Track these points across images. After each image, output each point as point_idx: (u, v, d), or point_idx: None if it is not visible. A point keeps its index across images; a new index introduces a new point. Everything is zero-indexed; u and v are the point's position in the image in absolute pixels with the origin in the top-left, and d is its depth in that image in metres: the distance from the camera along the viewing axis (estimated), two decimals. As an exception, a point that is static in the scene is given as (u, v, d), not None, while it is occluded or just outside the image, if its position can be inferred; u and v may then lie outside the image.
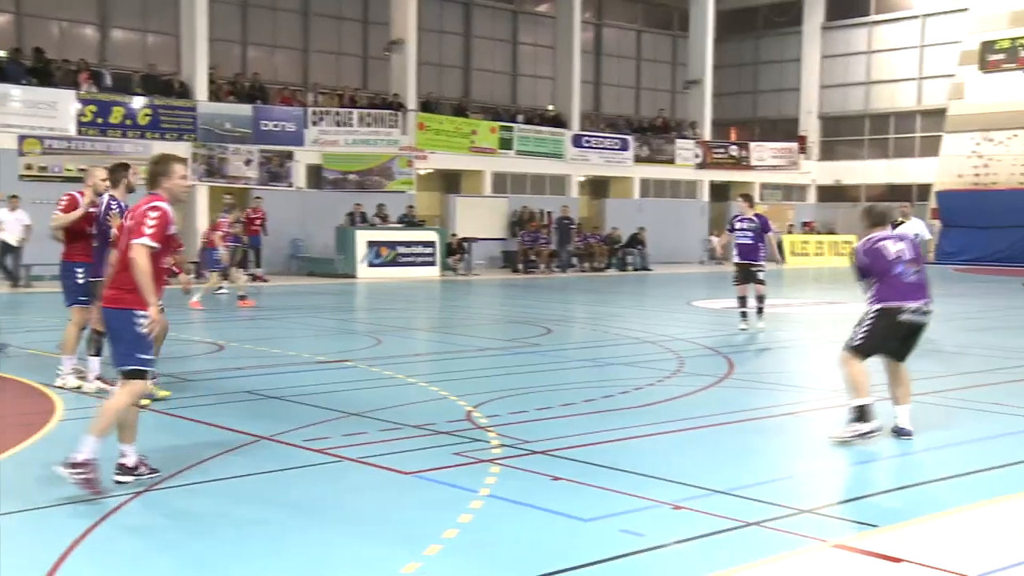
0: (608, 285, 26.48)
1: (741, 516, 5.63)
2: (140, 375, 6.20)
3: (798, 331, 15.86)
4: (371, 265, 27.53)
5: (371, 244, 27.73)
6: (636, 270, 32.98)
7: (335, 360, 11.72)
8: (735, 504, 5.88)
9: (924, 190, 39.94)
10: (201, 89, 28.10)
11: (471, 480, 6.32)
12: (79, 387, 9.31)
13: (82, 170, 22.72)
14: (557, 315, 17.90)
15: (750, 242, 14.79)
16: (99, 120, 25.98)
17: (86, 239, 9.29)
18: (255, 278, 25.45)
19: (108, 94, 26.62)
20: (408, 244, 28.41)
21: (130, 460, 6.25)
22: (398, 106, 31.59)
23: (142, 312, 6.14)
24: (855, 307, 18.25)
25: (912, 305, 7.58)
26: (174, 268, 10.89)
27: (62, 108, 25.51)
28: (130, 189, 9.33)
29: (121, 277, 6.28)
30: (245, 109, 28.68)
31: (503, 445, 7.27)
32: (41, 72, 26.16)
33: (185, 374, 10.33)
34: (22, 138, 24.77)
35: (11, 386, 9.65)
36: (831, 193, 43.58)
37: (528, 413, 8.51)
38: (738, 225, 14.92)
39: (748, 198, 15.50)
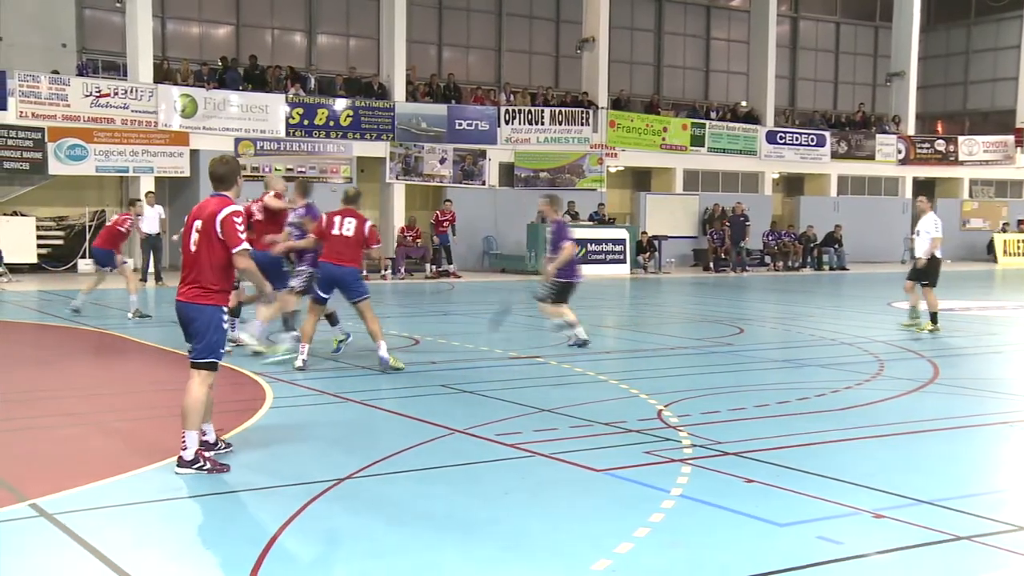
0: (802, 284, 25.69)
1: (950, 529, 5.35)
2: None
3: (1011, 336, 14.94)
4: (561, 262, 27.65)
5: (561, 241, 27.85)
6: (832, 269, 31.93)
7: (527, 356, 11.88)
8: (942, 516, 5.59)
9: None
10: (399, 90, 29.05)
11: (662, 479, 6.27)
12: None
13: (289, 170, 23.95)
14: (749, 314, 17.51)
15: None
16: (305, 122, 27.30)
17: None
18: (448, 274, 26.13)
19: (313, 97, 27.93)
20: (598, 242, 28.42)
21: (211, 437, 6.80)
22: (589, 104, 31.69)
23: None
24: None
25: None
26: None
27: (272, 111, 26.96)
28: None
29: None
30: (440, 109, 29.45)
31: (695, 445, 7.19)
32: (256, 78, 27.70)
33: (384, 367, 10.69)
34: (238, 140, 26.32)
35: (226, 374, 10.24)
36: (1051, 190, 40.75)
37: (720, 413, 8.38)
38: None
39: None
